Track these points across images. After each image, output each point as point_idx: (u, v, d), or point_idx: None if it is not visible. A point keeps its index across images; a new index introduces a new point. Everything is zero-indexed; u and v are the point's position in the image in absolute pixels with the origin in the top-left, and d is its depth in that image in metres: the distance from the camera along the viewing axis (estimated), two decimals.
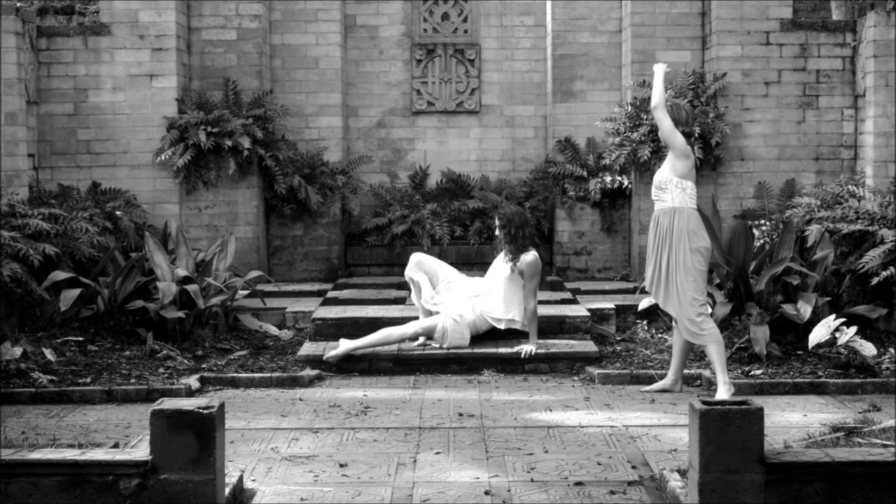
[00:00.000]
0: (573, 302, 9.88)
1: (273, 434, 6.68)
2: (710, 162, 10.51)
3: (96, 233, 9.40)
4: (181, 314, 8.76)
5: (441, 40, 11.82)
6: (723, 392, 7.39)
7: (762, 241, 9.38)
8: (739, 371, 8.08)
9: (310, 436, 6.64)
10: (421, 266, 8.96)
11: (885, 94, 9.90)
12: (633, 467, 5.89)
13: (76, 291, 8.75)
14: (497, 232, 8.80)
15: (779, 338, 8.46)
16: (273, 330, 9.33)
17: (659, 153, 10.33)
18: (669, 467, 5.62)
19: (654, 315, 9.50)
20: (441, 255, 11.19)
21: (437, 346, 8.62)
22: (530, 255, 8.59)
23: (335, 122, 11.41)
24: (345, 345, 8.45)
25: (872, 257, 8.57)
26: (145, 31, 10.50)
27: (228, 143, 10.39)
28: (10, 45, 9.56)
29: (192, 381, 7.89)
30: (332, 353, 8.42)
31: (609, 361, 8.60)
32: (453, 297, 8.79)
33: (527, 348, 8.53)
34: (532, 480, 5.66)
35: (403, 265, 11.25)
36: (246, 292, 9.77)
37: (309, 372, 8.29)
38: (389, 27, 11.81)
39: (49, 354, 8.04)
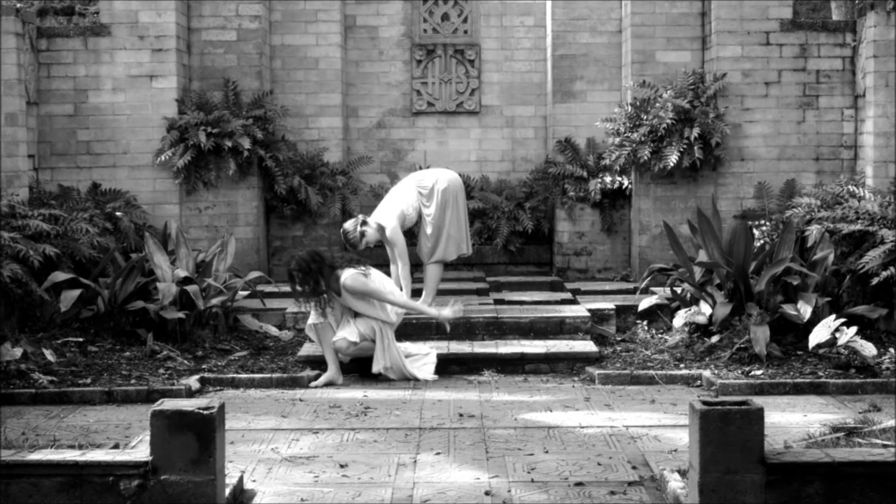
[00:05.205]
0: (573, 302, 9.88)
1: (273, 435, 6.68)
2: (710, 162, 10.51)
3: (96, 234, 9.40)
4: (181, 315, 8.76)
5: (441, 41, 11.83)
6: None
7: (762, 242, 9.38)
8: (740, 371, 8.08)
9: (310, 436, 6.64)
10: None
11: (885, 94, 9.90)
12: (634, 468, 5.89)
13: (76, 292, 8.74)
14: (297, 287, 8.17)
15: (779, 338, 8.46)
16: (273, 330, 9.33)
17: (659, 153, 10.33)
18: (670, 467, 5.62)
19: (655, 315, 9.50)
20: None
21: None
22: (343, 276, 8.14)
23: (335, 123, 11.41)
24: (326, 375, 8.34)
25: (872, 257, 8.57)
26: (145, 32, 10.50)
27: (228, 143, 10.39)
28: (10, 45, 9.56)
29: (193, 382, 7.89)
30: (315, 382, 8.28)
31: (609, 362, 8.60)
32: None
33: (444, 314, 8.50)
34: (532, 481, 5.66)
35: None
36: (246, 293, 9.78)
37: (309, 372, 8.29)
38: (389, 27, 11.81)
39: (49, 355, 8.04)
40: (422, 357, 8.44)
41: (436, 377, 8.28)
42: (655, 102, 10.44)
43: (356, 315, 8.32)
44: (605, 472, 5.82)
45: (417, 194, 9.25)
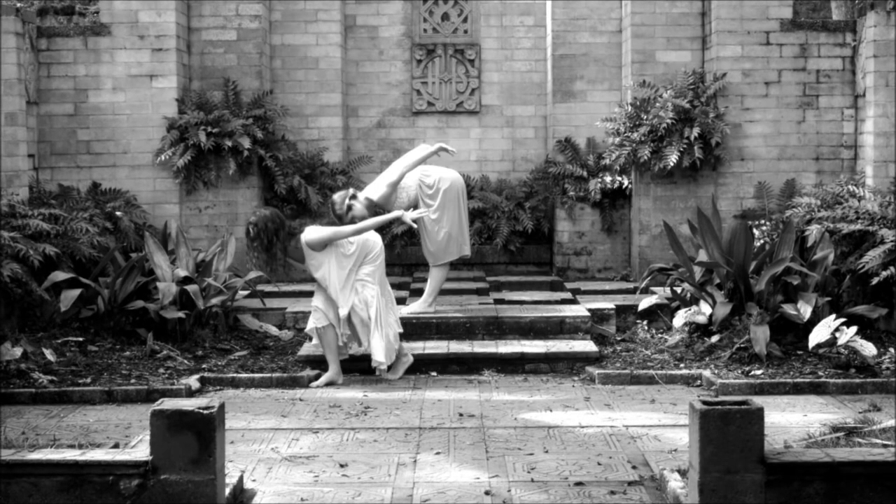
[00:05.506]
0: (573, 302, 9.88)
1: (273, 434, 6.68)
2: (710, 162, 10.51)
3: (96, 233, 9.40)
4: (181, 314, 8.76)
5: (441, 40, 11.83)
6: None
7: (762, 241, 9.38)
8: (739, 371, 8.08)
9: (310, 436, 6.64)
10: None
11: (885, 94, 9.90)
12: (634, 467, 5.89)
13: (76, 292, 8.74)
14: (251, 242, 8.19)
15: (779, 338, 8.46)
16: (273, 330, 9.33)
17: (659, 153, 10.33)
18: (670, 467, 5.62)
19: (655, 315, 9.50)
20: None
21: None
22: (302, 236, 8.10)
23: (335, 123, 11.41)
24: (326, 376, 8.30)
25: (872, 257, 8.57)
26: (145, 32, 10.50)
27: (228, 143, 10.39)
28: (10, 45, 9.56)
29: (193, 382, 7.89)
30: (316, 382, 8.26)
31: (609, 361, 8.60)
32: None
33: (409, 215, 8.57)
34: (532, 481, 5.66)
35: (404, 265, 11.34)
36: (246, 293, 9.78)
37: (309, 372, 8.28)
38: (389, 27, 11.82)
39: (49, 355, 8.04)
40: (402, 356, 8.38)
41: (397, 377, 8.26)
42: (655, 102, 10.44)
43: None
44: (605, 471, 5.82)
45: (419, 185, 9.18)
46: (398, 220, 8.63)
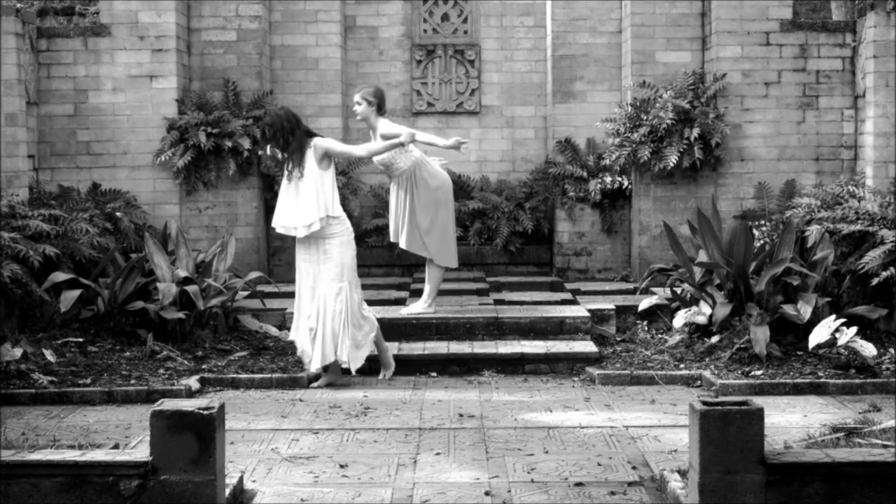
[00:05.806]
0: (573, 302, 9.88)
1: (273, 435, 6.68)
2: (710, 162, 10.51)
3: (96, 234, 9.40)
4: (181, 315, 8.76)
5: (441, 41, 11.83)
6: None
7: (762, 242, 9.38)
8: (739, 371, 8.08)
9: (310, 436, 6.64)
10: None
11: (885, 95, 9.90)
12: (634, 468, 5.89)
13: (76, 292, 8.74)
14: (267, 151, 8.15)
15: (779, 338, 8.46)
16: (273, 331, 9.33)
17: (659, 154, 10.34)
18: (670, 468, 5.62)
19: (655, 316, 9.50)
20: None
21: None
22: (316, 139, 8.07)
23: (335, 123, 11.40)
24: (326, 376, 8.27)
25: (872, 258, 8.57)
26: (145, 32, 10.50)
27: (228, 143, 10.40)
28: (11, 46, 9.56)
29: (193, 382, 7.90)
30: (317, 383, 8.25)
31: (609, 362, 8.60)
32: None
33: (407, 133, 8.55)
34: (532, 481, 5.66)
35: (403, 266, 11.34)
36: (246, 293, 9.78)
37: (309, 372, 8.28)
38: (389, 28, 11.82)
39: (49, 355, 8.04)
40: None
41: (386, 377, 8.30)
42: (655, 103, 10.44)
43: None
44: (605, 472, 5.82)
45: (418, 164, 9.11)
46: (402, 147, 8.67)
